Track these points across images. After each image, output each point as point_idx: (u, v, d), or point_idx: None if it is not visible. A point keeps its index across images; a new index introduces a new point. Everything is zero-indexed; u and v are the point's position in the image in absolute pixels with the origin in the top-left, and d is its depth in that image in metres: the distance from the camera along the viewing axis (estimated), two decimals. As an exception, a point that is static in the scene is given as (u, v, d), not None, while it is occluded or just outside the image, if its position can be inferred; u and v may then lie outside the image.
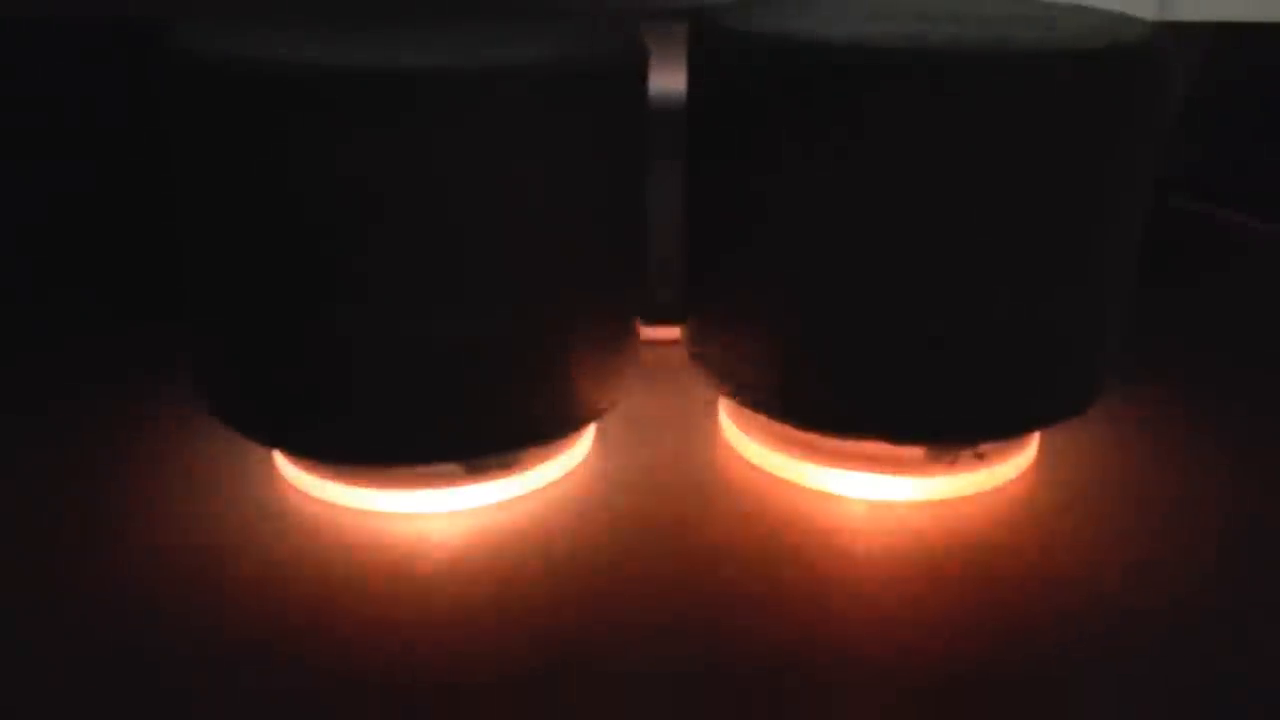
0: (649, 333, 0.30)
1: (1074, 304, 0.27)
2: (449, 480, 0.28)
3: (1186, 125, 0.44)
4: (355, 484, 0.28)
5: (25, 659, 0.23)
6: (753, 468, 0.30)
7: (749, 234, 0.27)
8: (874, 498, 0.29)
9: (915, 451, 0.29)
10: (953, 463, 0.29)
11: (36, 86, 0.41)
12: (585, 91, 0.25)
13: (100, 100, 0.41)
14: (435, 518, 0.28)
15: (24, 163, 0.42)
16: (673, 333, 0.31)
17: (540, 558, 0.27)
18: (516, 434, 0.27)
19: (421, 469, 0.28)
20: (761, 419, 0.29)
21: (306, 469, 0.28)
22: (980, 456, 0.29)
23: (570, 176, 0.25)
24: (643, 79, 0.27)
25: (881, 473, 0.29)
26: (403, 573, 0.26)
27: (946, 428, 0.27)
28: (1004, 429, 0.28)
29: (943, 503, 0.29)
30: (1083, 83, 0.25)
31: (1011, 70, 0.24)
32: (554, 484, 0.29)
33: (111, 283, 0.41)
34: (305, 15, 0.28)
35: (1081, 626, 0.25)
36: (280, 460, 0.29)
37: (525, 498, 0.29)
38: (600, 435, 0.31)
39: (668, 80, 0.29)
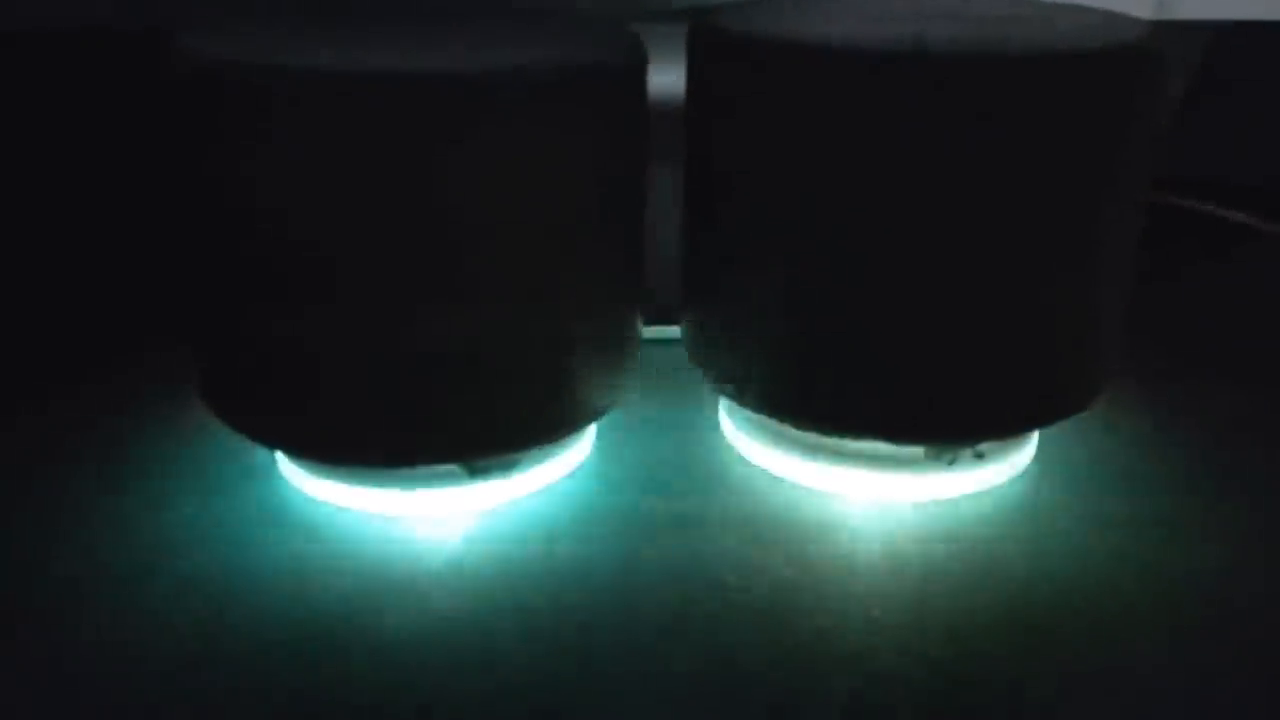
0: (649, 332, 0.30)
1: (1072, 303, 0.27)
2: (450, 481, 0.28)
3: (1187, 124, 0.44)
4: (356, 485, 0.28)
5: (22, 661, 0.24)
6: (752, 467, 0.30)
7: (747, 233, 0.27)
8: (873, 497, 0.29)
9: (914, 451, 0.29)
10: (952, 462, 0.29)
11: (38, 93, 0.41)
12: (584, 94, 0.25)
13: (104, 105, 0.41)
14: (436, 519, 0.28)
15: (26, 165, 0.42)
16: (672, 332, 0.31)
17: (541, 558, 0.27)
18: (517, 435, 0.27)
19: (422, 470, 0.28)
20: (761, 418, 0.29)
21: (308, 469, 0.29)
22: (980, 456, 0.29)
23: (569, 178, 0.25)
24: (641, 81, 0.27)
25: (881, 472, 0.29)
26: (403, 574, 0.26)
27: (946, 427, 0.27)
28: (1003, 428, 0.28)
29: (942, 502, 0.29)
30: (1080, 83, 0.25)
31: (1009, 70, 0.24)
32: (555, 485, 0.29)
33: (113, 283, 0.41)
34: (304, 19, 0.28)
35: (1081, 625, 0.25)
36: (282, 460, 0.29)
37: (526, 499, 0.29)
38: (600, 436, 0.31)
39: (666, 81, 0.29)
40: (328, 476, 0.28)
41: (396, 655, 0.24)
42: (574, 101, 0.25)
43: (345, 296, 0.24)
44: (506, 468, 0.28)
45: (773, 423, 0.29)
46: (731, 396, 0.29)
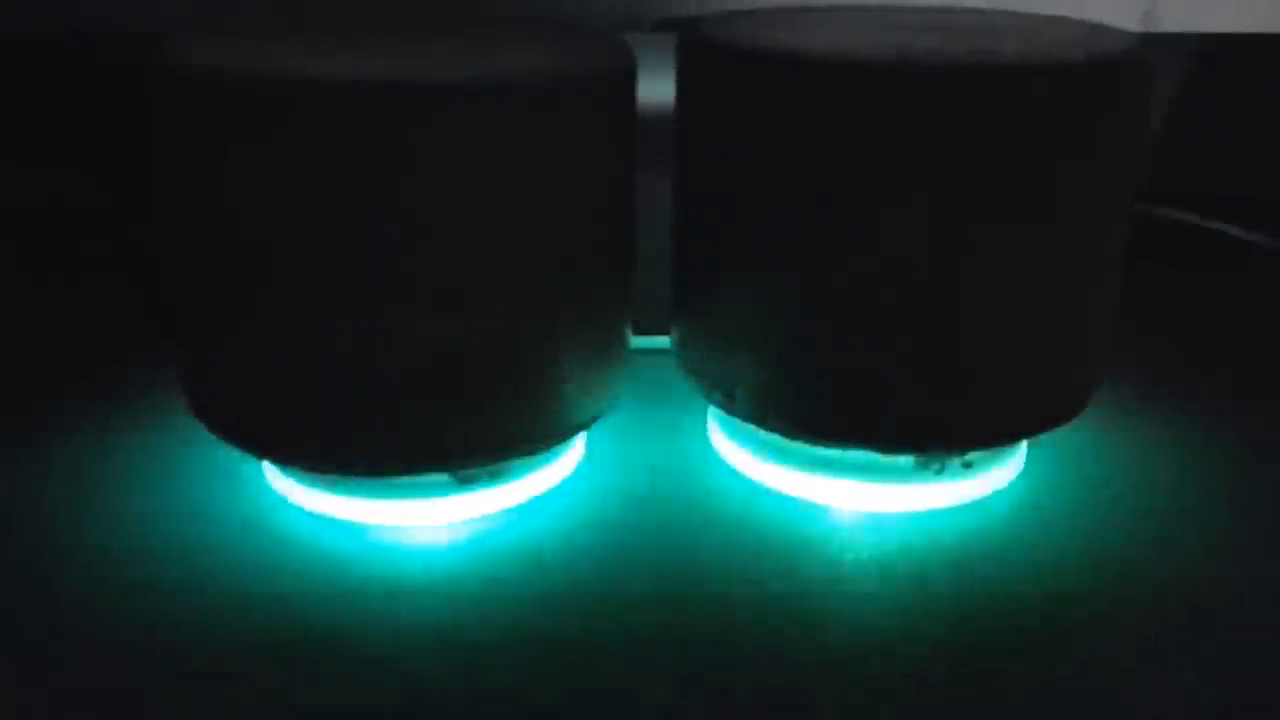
0: (638, 341, 0.30)
1: (1060, 312, 0.27)
2: (438, 491, 0.28)
3: (1180, 137, 0.44)
4: (344, 495, 0.28)
5: (17, 663, 0.24)
6: (741, 477, 0.30)
7: (736, 243, 0.27)
8: (862, 507, 0.29)
9: (903, 460, 0.29)
10: (940, 471, 0.29)
11: (36, 96, 0.42)
12: (573, 102, 0.25)
13: (101, 109, 0.41)
14: (424, 528, 0.28)
15: (23, 168, 0.42)
16: (662, 341, 0.31)
17: (530, 568, 0.27)
18: (506, 444, 0.27)
19: (410, 480, 0.28)
20: (750, 428, 0.29)
21: (296, 479, 0.29)
22: (968, 465, 0.29)
23: (558, 187, 0.25)
24: (631, 90, 0.27)
25: (869, 482, 0.29)
26: (392, 584, 0.26)
27: (934, 436, 0.27)
28: (991, 437, 0.28)
29: (931, 512, 0.29)
30: (1065, 94, 0.25)
31: (994, 81, 0.24)
32: (543, 494, 0.29)
33: (100, 288, 0.41)
34: (295, 27, 0.28)
35: (1071, 634, 0.25)
36: (270, 470, 0.29)
37: (515, 508, 0.29)
38: (589, 445, 0.31)
39: (656, 90, 0.29)
40: (315, 486, 0.28)
41: (384, 666, 0.24)
42: (563, 110, 0.25)
43: (331, 304, 0.24)
44: (495, 477, 0.28)
45: (762, 433, 0.29)
46: (721, 405, 0.29)
